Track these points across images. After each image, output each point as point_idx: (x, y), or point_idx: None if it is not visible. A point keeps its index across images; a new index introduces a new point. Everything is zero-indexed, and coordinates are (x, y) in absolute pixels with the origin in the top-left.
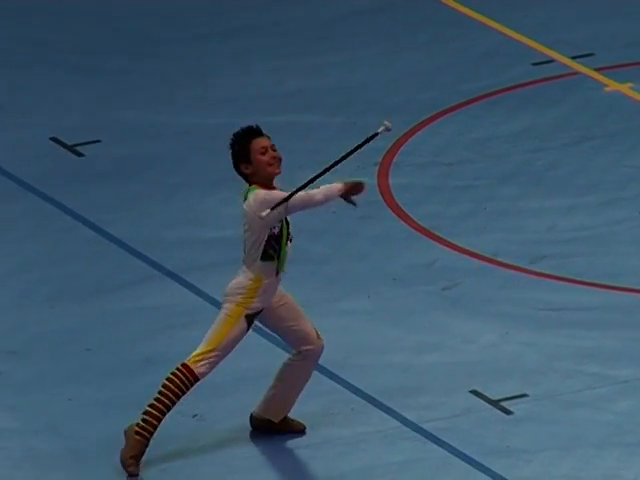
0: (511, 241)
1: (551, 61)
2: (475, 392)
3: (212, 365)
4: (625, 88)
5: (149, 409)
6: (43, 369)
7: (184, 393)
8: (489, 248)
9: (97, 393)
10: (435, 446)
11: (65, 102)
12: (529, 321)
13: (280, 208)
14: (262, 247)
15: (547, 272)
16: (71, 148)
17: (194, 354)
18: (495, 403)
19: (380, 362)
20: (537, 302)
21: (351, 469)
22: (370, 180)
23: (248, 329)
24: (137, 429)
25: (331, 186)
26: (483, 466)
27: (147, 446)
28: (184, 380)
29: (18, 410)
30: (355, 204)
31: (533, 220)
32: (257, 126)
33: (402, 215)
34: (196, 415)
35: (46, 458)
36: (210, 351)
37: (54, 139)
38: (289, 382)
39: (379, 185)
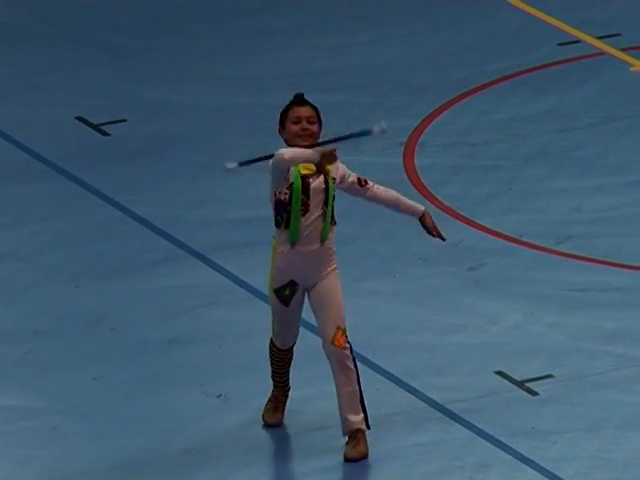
0: (537, 221)
1: (577, 41)
2: (500, 373)
3: (282, 340)
4: None
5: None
6: (68, 349)
7: (281, 364)
8: (515, 228)
9: (122, 373)
10: (460, 427)
11: (91, 81)
12: (555, 302)
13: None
14: (273, 211)
15: (573, 253)
16: (97, 127)
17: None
18: (520, 384)
19: (405, 343)
20: (563, 283)
21: (376, 450)
22: (395, 160)
23: (285, 304)
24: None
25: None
26: (508, 447)
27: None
28: (274, 351)
29: (43, 390)
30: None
31: (559, 200)
32: (302, 95)
33: (427, 195)
34: (220, 395)
35: (70, 438)
36: (273, 328)
37: (80, 118)
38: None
39: (404, 165)
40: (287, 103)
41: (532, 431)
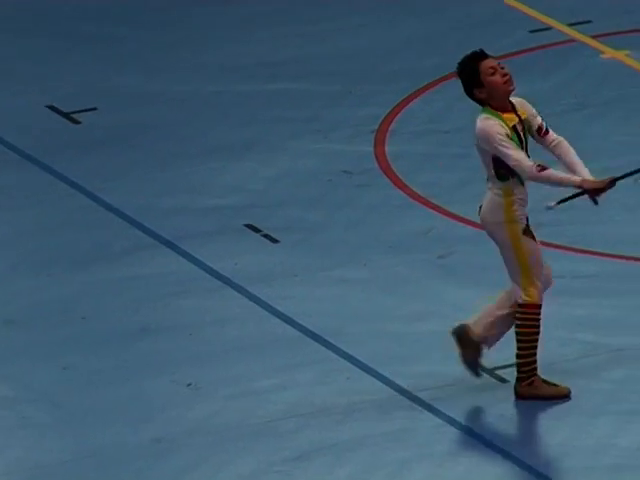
0: None
1: (548, 28)
2: None
3: (538, 285)
4: (622, 55)
5: (520, 361)
6: (38, 338)
7: (538, 326)
8: None
9: (92, 362)
10: (430, 415)
11: (61, 70)
12: None
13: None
14: (492, 168)
15: (543, 240)
16: (67, 116)
17: (522, 291)
18: (490, 371)
19: (375, 330)
20: None
21: (345, 438)
22: (366, 148)
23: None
24: (523, 384)
25: (571, 176)
26: (477, 434)
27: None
28: (530, 316)
29: (13, 379)
30: (596, 203)
31: (529, 188)
32: (481, 49)
33: (398, 183)
34: (190, 384)
35: (41, 427)
36: (527, 277)
37: (50, 107)
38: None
39: (375, 153)
40: (467, 66)
41: (501, 418)
